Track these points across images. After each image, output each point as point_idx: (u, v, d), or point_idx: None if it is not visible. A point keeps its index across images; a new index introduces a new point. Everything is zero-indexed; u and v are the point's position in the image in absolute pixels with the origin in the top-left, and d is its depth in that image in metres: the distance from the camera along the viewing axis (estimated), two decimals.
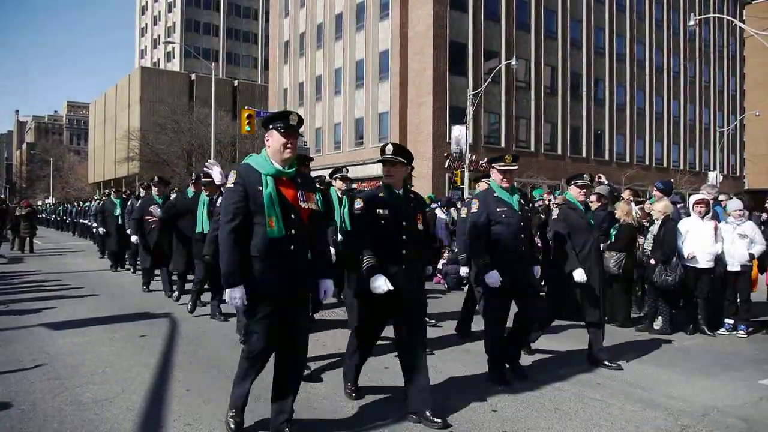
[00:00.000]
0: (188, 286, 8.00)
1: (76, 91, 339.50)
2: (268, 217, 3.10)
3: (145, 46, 76.81)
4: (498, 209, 4.46)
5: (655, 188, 7.87)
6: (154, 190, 9.02)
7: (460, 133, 26.82)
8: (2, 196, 28.71)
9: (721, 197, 8.65)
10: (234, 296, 3.10)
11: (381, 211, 3.78)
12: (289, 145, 3.22)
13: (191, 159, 44.36)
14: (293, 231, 3.17)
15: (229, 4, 70.27)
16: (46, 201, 54.96)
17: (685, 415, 3.91)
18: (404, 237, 3.76)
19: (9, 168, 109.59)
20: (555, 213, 5.38)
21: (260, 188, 3.13)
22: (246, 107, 21.20)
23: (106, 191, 18.93)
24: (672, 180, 11.81)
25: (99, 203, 14.05)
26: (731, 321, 6.71)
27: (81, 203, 26.24)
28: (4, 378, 4.45)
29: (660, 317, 6.71)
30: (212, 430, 3.52)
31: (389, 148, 3.84)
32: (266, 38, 57.51)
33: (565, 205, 5.29)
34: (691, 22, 21.44)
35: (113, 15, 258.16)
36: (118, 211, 11.73)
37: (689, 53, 42.35)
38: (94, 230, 15.58)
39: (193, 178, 7.90)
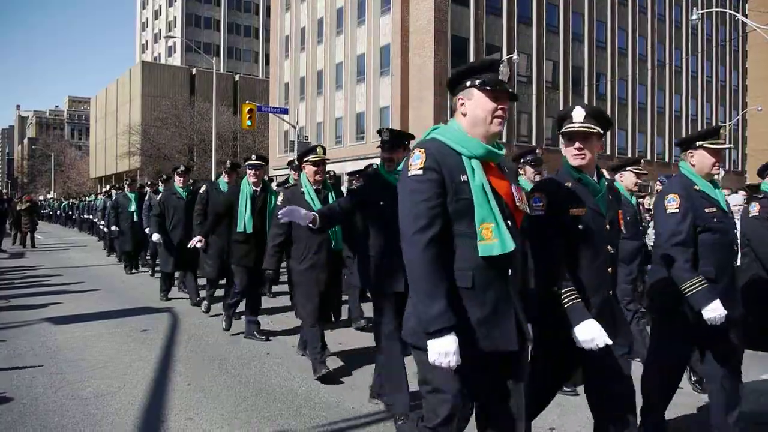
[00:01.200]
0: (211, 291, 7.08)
1: (77, 85, 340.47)
2: (480, 224, 1.99)
3: (146, 41, 76.67)
4: (706, 210, 2.98)
5: (658, 183, 7.85)
6: (178, 181, 7.86)
7: None
8: (4, 190, 28.58)
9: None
10: (445, 351, 1.88)
11: (577, 211, 2.41)
12: (499, 112, 2.09)
13: (192, 154, 44.39)
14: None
15: None
16: (48, 196, 55.04)
17: (685, 411, 3.89)
18: (610, 248, 2.47)
19: (10, 163, 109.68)
20: (754, 209, 4.08)
21: (464, 177, 2.02)
22: (247, 102, 21.21)
23: (111, 184, 18.69)
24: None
25: (112, 199, 12.50)
26: None
27: (85, 198, 25.94)
28: (6, 373, 4.46)
29: None
30: (213, 424, 3.52)
31: (579, 114, 2.48)
32: (267, 33, 57.30)
33: (766, 199, 4.13)
34: (694, 17, 21.39)
35: (114, 10, 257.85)
36: (133, 207, 10.45)
37: (691, 48, 42.19)
38: (101, 227, 14.86)
39: (228, 166, 6.89)
